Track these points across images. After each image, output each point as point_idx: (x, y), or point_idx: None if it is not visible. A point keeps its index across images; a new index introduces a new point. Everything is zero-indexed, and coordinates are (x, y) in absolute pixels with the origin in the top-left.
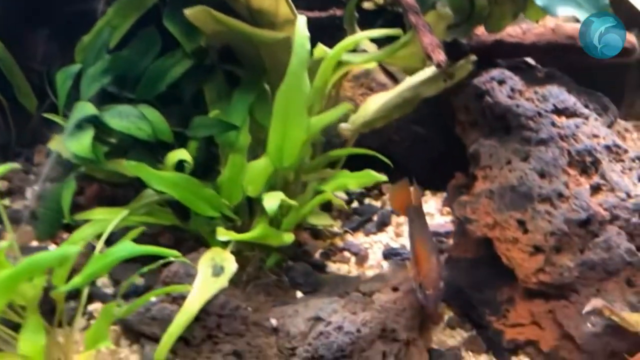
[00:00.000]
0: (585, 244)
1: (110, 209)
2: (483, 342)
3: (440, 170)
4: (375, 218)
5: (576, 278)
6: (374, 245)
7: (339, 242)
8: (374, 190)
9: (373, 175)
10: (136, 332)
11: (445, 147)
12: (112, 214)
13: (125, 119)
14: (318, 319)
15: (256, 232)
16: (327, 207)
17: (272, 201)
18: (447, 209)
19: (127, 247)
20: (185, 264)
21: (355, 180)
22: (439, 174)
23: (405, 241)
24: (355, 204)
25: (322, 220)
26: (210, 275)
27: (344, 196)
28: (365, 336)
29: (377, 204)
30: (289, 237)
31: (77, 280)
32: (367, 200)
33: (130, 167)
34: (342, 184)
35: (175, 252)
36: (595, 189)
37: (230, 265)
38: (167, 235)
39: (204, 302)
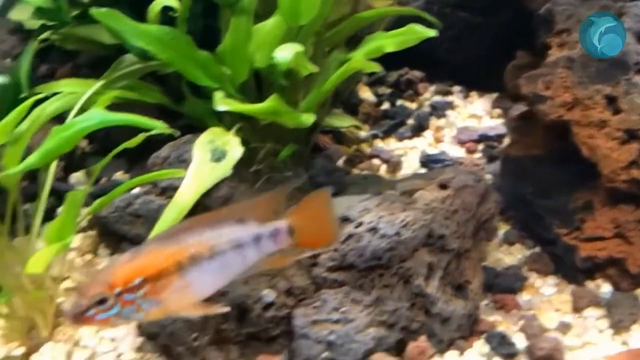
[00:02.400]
0: None
1: (81, 81)
2: (550, 261)
3: (490, 66)
4: (410, 121)
5: None
6: (409, 152)
7: (366, 149)
8: (408, 90)
9: (418, 31)
10: (115, 235)
11: (499, 37)
12: (83, 86)
13: None
14: (345, 220)
15: (266, 105)
16: (352, 109)
17: (285, 51)
18: (498, 110)
19: (95, 116)
20: (177, 148)
21: (394, 40)
22: (487, 71)
23: (445, 147)
24: (386, 106)
25: (344, 122)
26: (209, 160)
27: (373, 98)
28: (407, 241)
29: (412, 105)
30: (308, 118)
31: (31, 159)
32: (399, 102)
33: (99, 14)
34: (376, 48)
35: (160, 124)
36: None
37: (234, 149)
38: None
39: (201, 192)
